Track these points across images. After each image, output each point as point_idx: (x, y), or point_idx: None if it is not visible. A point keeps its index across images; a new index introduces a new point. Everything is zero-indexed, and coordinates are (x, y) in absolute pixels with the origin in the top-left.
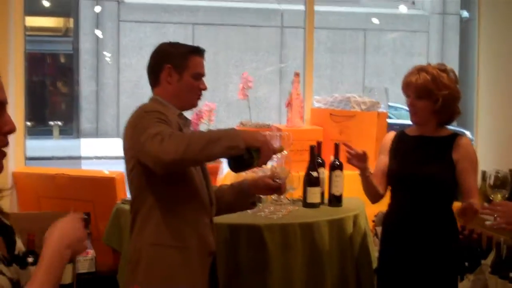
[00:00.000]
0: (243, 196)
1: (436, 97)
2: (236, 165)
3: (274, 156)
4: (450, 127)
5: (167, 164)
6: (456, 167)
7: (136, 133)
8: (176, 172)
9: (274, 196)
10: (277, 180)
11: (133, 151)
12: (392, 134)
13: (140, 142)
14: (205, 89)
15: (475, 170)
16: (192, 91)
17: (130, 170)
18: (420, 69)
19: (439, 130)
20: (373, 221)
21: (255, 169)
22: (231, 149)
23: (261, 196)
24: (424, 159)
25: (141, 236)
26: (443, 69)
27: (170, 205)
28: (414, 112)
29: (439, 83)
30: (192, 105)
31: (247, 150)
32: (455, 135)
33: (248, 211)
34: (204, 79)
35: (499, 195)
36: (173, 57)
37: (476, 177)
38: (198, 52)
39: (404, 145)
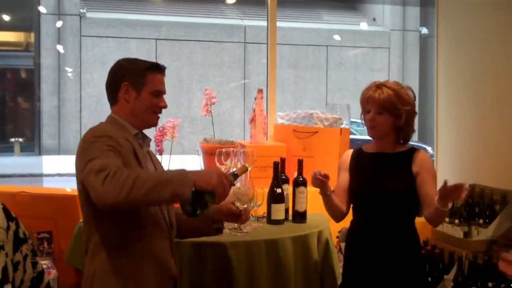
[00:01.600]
0: (208, 222)
1: (399, 112)
2: (189, 211)
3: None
4: (411, 143)
5: (108, 206)
6: (416, 179)
7: (83, 160)
8: None
9: (235, 226)
10: (238, 206)
11: (80, 177)
12: (349, 152)
13: (85, 172)
14: (165, 107)
15: (434, 180)
16: (151, 109)
17: (79, 192)
18: (380, 85)
19: (396, 146)
20: (337, 237)
21: None
22: (176, 197)
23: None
24: (385, 175)
25: (95, 261)
26: (401, 86)
27: (122, 231)
28: (372, 127)
29: (401, 98)
30: (151, 124)
31: (199, 193)
32: (413, 150)
33: None
34: (165, 96)
35: None
36: (130, 74)
37: (435, 187)
38: (157, 68)
39: (363, 162)
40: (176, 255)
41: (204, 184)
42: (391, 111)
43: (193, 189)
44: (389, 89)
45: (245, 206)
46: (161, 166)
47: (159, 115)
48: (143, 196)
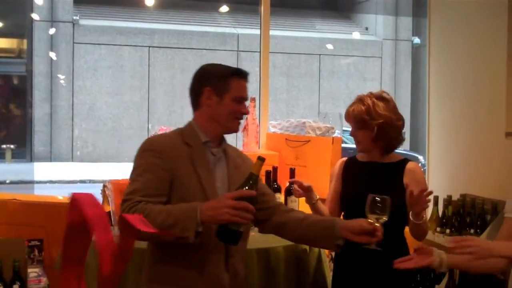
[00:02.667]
0: (329, 235)
1: (371, 126)
2: (228, 243)
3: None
4: (403, 152)
5: None
6: (406, 191)
7: (130, 177)
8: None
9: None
10: (373, 221)
11: None
12: (342, 161)
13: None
14: (246, 113)
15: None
16: (232, 115)
17: None
18: (358, 100)
19: (386, 157)
20: None
21: None
22: (180, 240)
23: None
24: (375, 185)
25: (144, 269)
26: (381, 97)
27: (170, 244)
28: (357, 142)
29: (372, 113)
30: (232, 129)
31: (223, 226)
32: (405, 161)
33: None
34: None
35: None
36: (213, 79)
37: None
38: (240, 74)
39: (355, 170)
40: (237, 268)
41: (214, 221)
42: (365, 126)
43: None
44: (364, 105)
45: (382, 218)
46: (238, 172)
47: (240, 121)
48: (149, 237)
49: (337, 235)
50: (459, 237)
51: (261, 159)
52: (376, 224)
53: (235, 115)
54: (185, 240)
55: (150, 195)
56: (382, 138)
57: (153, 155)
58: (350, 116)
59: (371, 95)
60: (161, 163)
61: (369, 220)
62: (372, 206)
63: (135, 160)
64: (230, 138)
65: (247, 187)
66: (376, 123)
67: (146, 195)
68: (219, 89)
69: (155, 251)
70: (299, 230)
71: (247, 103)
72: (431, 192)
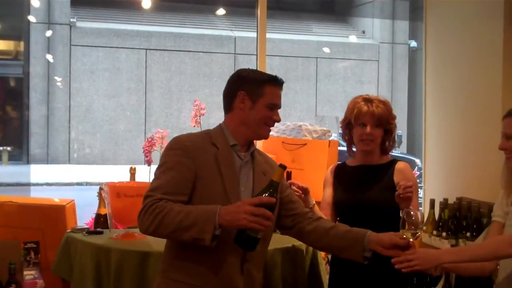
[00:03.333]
0: (357, 245)
1: (390, 126)
2: (246, 249)
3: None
4: (399, 155)
5: (142, 232)
6: (397, 190)
7: (155, 173)
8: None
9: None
10: (406, 235)
11: None
12: (332, 167)
13: None
14: (278, 120)
15: (416, 191)
16: (263, 120)
17: None
18: (369, 99)
19: (379, 158)
20: None
21: None
22: (197, 241)
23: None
24: (367, 187)
25: (160, 264)
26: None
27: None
28: (369, 141)
29: (391, 113)
30: (262, 135)
31: (242, 231)
32: (394, 161)
33: None
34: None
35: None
36: (248, 84)
37: (416, 198)
38: (275, 82)
39: (346, 175)
40: (252, 272)
41: (232, 226)
42: (385, 125)
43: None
44: (381, 103)
45: (418, 233)
46: (264, 178)
47: (271, 128)
48: (167, 234)
49: (366, 247)
50: (400, 258)
51: (282, 167)
52: (411, 239)
53: (266, 121)
54: (201, 242)
55: (171, 193)
56: (393, 138)
57: (180, 154)
58: (373, 114)
59: (374, 96)
60: (187, 162)
61: (404, 235)
62: (407, 220)
63: (161, 157)
64: None
65: (267, 194)
66: (394, 123)
67: (168, 193)
68: (253, 94)
69: (173, 246)
70: (326, 239)
71: (281, 111)
72: (410, 186)
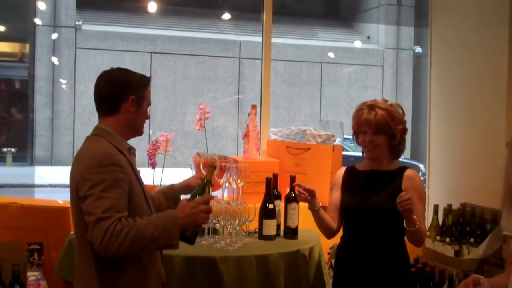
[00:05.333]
0: (178, 202)
1: (393, 132)
2: (185, 241)
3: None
4: (404, 160)
5: (107, 256)
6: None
7: (86, 188)
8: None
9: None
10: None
11: (80, 203)
12: (342, 170)
13: (87, 212)
14: (148, 118)
15: (422, 200)
16: (145, 121)
17: (75, 212)
18: (372, 106)
19: (388, 164)
20: (329, 253)
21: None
22: (167, 248)
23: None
24: (375, 193)
25: (94, 280)
26: (390, 104)
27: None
28: (371, 148)
29: (394, 118)
30: (140, 134)
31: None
32: (404, 168)
33: (203, 242)
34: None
35: None
36: (136, 88)
37: (422, 206)
38: (149, 82)
39: (355, 180)
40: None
41: (192, 226)
42: (386, 131)
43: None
44: (382, 110)
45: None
46: (139, 175)
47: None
48: (138, 250)
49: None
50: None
51: (213, 167)
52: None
53: (145, 121)
54: (170, 247)
55: (123, 210)
56: (400, 143)
57: (116, 170)
58: (371, 122)
59: (381, 101)
60: (124, 177)
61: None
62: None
63: (91, 175)
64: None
65: (205, 192)
66: (399, 128)
67: (121, 211)
68: (140, 98)
69: (97, 267)
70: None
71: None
72: (408, 198)
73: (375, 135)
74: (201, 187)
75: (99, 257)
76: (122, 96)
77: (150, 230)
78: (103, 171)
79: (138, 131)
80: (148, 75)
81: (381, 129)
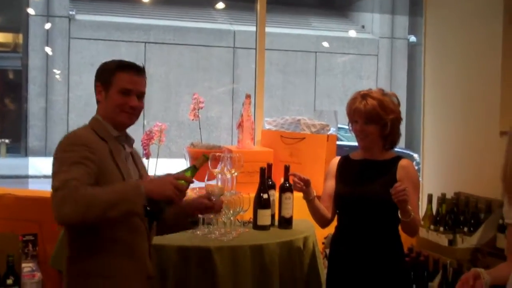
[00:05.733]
0: (183, 216)
1: (384, 121)
2: (149, 218)
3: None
4: (398, 150)
5: (65, 225)
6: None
7: (53, 168)
8: None
9: (222, 231)
10: (212, 198)
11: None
12: (336, 159)
13: (52, 185)
14: (134, 106)
15: (417, 190)
16: (118, 107)
17: None
18: (364, 95)
19: (382, 154)
20: (323, 243)
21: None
22: (129, 214)
23: (200, 215)
24: (369, 182)
25: (76, 265)
26: (385, 94)
27: (100, 235)
28: (363, 137)
29: (386, 108)
30: (122, 122)
31: (156, 202)
32: (398, 158)
33: (198, 232)
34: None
35: None
36: (101, 75)
37: (417, 196)
38: (126, 67)
39: (349, 169)
40: (154, 256)
41: (158, 196)
42: (377, 121)
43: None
44: (374, 99)
45: (217, 196)
46: (144, 167)
47: (134, 115)
48: (97, 216)
49: (189, 214)
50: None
51: (206, 157)
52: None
53: (121, 107)
54: (133, 213)
55: (82, 184)
56: (392, 133)
57: (85, 149)
58: (361, 111)
59: (375, 91)
60: (92, 157)
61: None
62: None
63: (58, 154)
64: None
65: (187, 175)
66: (390, 118)
67: (83, 184)
68: (105, 83)
69: (86, 246)
70: (158, 224)
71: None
72: (402, 189)
73: (365, 125)
74: (186, 169)
75: (75, 242)
76: (95, 84)
77: (108, 196)
78: (71, 149)
79: (114, 118)
80: (142, 65)
81: (371, 118)
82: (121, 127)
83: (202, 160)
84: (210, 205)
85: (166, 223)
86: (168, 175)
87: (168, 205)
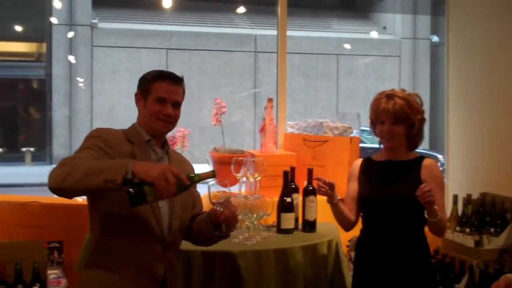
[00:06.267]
0: (212, 230)
1: (412, 121)
2: (130, 201)
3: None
4: (422, 151)
5: (51, 190)
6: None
7: None
8: (113, 193)
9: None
10: (217, 208)
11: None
12: (359, 161)
13: None
14: (168, 114)
15: (442, 189)
16: (154, 115)
17: None
18: (390, 95)
19: (405, 154)
20: (347, 246)
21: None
22: (108, 183)
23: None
24: (393, 183)
25: (83, 260)
26: (410, 94)
27: (107, 230)
28: (390, 138)
29: (413, 108)
30: (156, 130)
31: (138, 184)
32: (422, 158)
33: None
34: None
35: None
36: (141, 84)
37: (442, 195)
38: (162, 77)
39: (372, 170)
40: (172, 259)
41: (143, 175)
42: (405, 121)
43: (134, 179)
44: (401, 99)
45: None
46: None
47: (169, 123)
48: (76, 182)
49: (216, 225)
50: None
51: (213, 173)
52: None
53: (156, 116)
54: (112, 183)
55: None
56: (418, 133)
57: (100, 140)
58: (389, 111)
59: (399, 91)
60: (106, 148)
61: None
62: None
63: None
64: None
65: (187, 176)
66: (417, 118)
67: (74, 158)
68: (144, 92)
69: (96, 238)
70: (192, 234)
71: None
72: (428, 190)
73: (393, 125)
74: (187, 174)
75: (91, 239)
76: (135, 93)
77: (95, 163)
78: (88, 139)
79: (151, 125)
80: (180, 75)
81: (399, 118)
82: (157, 134)
83: (209, 173)
84: (218, 214)
85: (199, 236)
86: (166, 164)
87: (151, 192)
